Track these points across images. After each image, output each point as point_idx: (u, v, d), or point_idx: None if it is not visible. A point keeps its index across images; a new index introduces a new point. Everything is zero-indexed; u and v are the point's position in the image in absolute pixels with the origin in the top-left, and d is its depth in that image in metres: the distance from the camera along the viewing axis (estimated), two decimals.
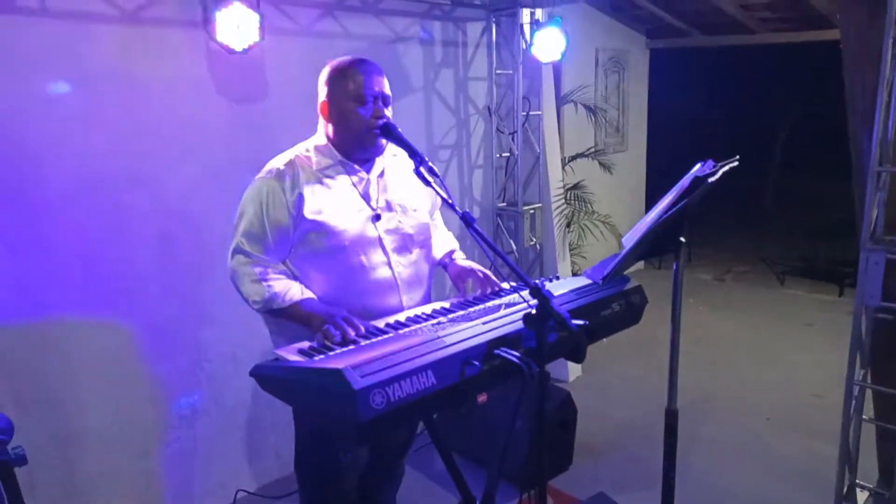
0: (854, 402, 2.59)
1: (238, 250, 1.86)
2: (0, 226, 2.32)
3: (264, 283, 1.83)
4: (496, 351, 1.60)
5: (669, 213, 1.73)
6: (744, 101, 7.43)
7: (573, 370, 4.22)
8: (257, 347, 2.62)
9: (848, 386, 2.58)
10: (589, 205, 4.59)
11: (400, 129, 1.88)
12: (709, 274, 6.75)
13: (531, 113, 3.90)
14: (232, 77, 2.82)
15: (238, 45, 2.54)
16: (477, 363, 1.57)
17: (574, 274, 4.40)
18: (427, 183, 1.80)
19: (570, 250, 4.52)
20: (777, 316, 5.48)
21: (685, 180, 1.76)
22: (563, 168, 5.08)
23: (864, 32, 2.43)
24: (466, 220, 1.79)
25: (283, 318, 1.87)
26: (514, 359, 1.58)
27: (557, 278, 2.22)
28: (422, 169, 1.81)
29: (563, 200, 4.17)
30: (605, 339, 4.88)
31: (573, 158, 4.86)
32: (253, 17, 2.53)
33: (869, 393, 2.67)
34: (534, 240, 4.08)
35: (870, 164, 2.40)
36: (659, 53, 6.60)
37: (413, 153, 1.83)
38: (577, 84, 5.11)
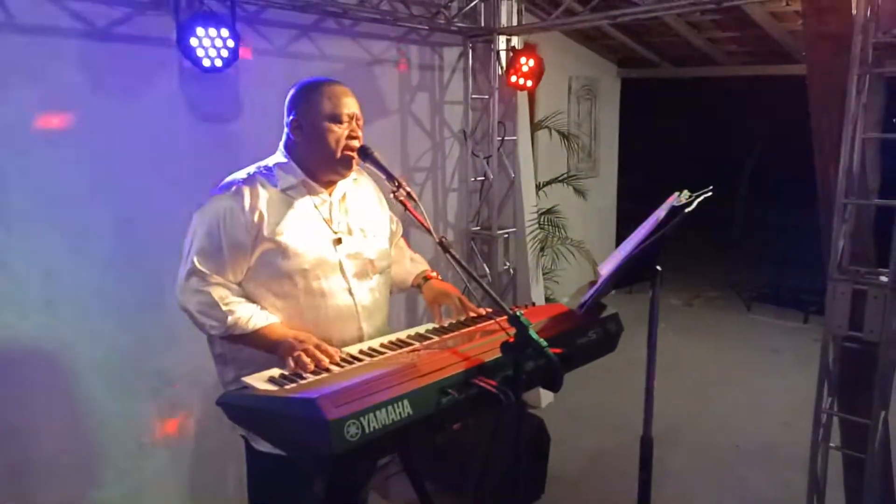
0: (822, 430, 2.61)
1: (192, 272, 1.73)
2: None
3: (223, 308, 1.72)
4: (473, 380, 1.58)
5: (647, 242, 1.74)
6: (713, 130, 7.62)
7: (545, 396, 4.20)
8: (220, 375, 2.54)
9: (816, 414, 2.60)
10: (562, 229, 4.61)
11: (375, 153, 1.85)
12: (678, 299, 6.84)
13: (506, 138, 3.92)
14: (205, 96, 2.77)
15: (213, 64, 2.50)
16: (453, 392, 1.54)
17: (547, 299, 4.41)
18: (405, 208, 1.78)
19: (544, 274, 4.52)
20: (744, 342, 5.56)
21: (661, 210, 1.77)
22: (536, 193, 5.13)
23: (830, 69, 2.49)
24: (443, 245, 1.77)
25: (244, 343, 1.77)
26: (492, 388, 1.56)
27: (534, 304, 2.21)
28: (400, 193, 1.79)
29: (537, 225, 4.19)
30: None
31: (547, 183, 4.90)
32: (228, 37, 2.50)
33: (836, 421, 2.71)
34: (507, 264, 4.08)
35: (836, 196, 2.45)
36: (630, 82, 6.74)
37: (390, 177, 1.81)
38: (551, 110, 5.18)
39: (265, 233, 1.73)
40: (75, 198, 2.47)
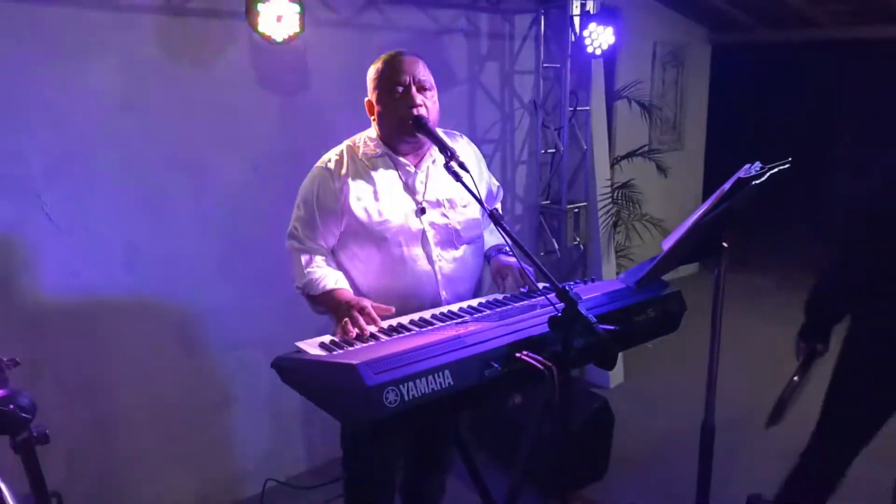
0: None
1: (292, 234, 1.96)
2: (51, 209, 2.40)
3: (306, 269, 1.90)
4: (518, 354, 1.55)
5: (709, 216, 1.63)
6: (811, 99, 7.04)
7: (615, 376, 4.09)
8: (291, 336, 2.63)
9: None
10: (637, 205, 4.42)
11: (431, 123, 1.84)
12: (767, 280, 6.45)
13: (579, 108, 3.78)
14: (273, 68, 2.83)
15: (279, 37, 2.54)
16: (497, 365, 1.52)
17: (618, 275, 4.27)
18: (458, 178, 1.75)
19: (617, 252, 4.37)
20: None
21: (728, 182, 1.65)
22: (612, 166, 4.94)
23: None
24: (494, 217, 1.73)
25: (319, 305, 1.91)
26: (536, 363, 1.52)
27: (594, 280, 2.14)
28: (452, 163, 1.77)
29: (611, 199, 4.04)
30: (649, 345, 4.71)
31: (624, 157, 4.70)
32: (294, 8, 2.52)
33: None
34: (577, 239, 3.97)
35: None
36: (721, 48, 6.32)
37: (443, 148, 1.80)
38: (633, 79, 4.94)
39: (351, 203, 1.86)
40: (152, 167, 2.60)
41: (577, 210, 3.92)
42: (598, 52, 3.48)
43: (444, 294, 1.94)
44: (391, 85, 1.83)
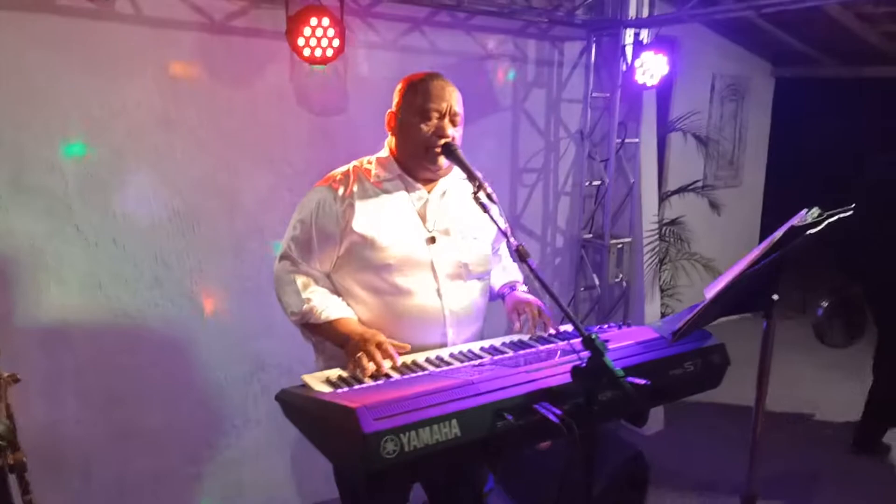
0: None
1: (285, 256, 1.81)
2: (82, 222, 2.41)
3: (303, 295, 1.76)
4: (535, 405, 1.42)
5: (756, 266, 1.47)
6: (882, 140, 6.65)
7: (654, 422, 3.86)
8: (315, 363, 2.57)
9: None
10: (686, 243, 4.21)
11: (461, 151, 1.74)
12: None
13: (627, 140, 3.64)
14: (313, 88, 2.81)
15: (318, 57, 2.52)
16: (510, 417, 1.39)
17: (662, 316, 4.06)
18: (485, 209, 1.65)
19: (663, 291, 4.17)
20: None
21: (780, 230, 1.50)
22: (662, 201, 4.75)
23: None
24: (520, 253, 1.61)
25: (319, 335, 1.79)
26: (554, 417, 1.39)
27: (629, 325, 1.99)
28: (480, 194, 1.66)
29: (658, 236, 3.85)
30: None
31: (675, 192, 4.51)
32: (334, 29, 2.50)
33: None
34: (620, 276, 3.79)
35: None
36: (786, 82, 6.05)
37: (472, 177, 1.69)
38: (689, 111, 4.75)
39: (354, 225, 1.73)
40: (186, 183, 2.59)
41: (620, 245, 3.75)
42: (650, 82, 3.35)
43: (450, 332, 1.79)
44: (425, 108, 1.73)
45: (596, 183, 3.77)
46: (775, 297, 1.70)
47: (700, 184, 4.92)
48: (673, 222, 4.24)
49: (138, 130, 2.46)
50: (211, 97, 2.59)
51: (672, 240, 4.16)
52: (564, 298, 3.86)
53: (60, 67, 2.29)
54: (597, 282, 3.77)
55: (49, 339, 2.39)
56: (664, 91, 5.14)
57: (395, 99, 1.81)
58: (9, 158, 2.25)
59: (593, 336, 1.38)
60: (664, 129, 4.87)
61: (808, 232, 1.46)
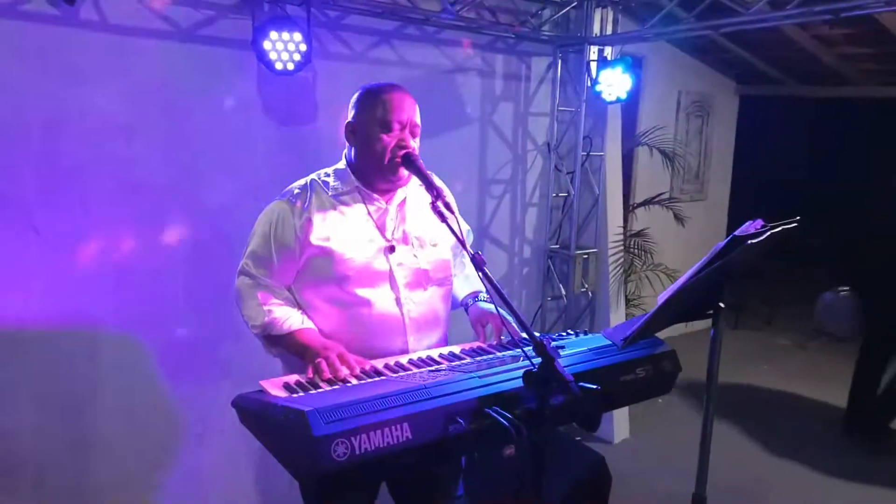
0: None
1: (244, 271, 1.83)
2: (43, 227, 2.39)
3: (264, 307, 1.77)
4: (487, 409, 1.45)
5: (700, 274, 1.53)
6: (841, 156, 6.87)
7: (619, 431, 3.92)
8: (280, 371, 2.58)
9: None
10: (650, 255, 4.30)
11: (421, 161, 1.77)
12: (789, 339, 6.21)
13: (592, 153, 3.72)
14: (281, 99, 2.83)
15: (284, 67, 2.54)
16: (462, 420, 1.42)
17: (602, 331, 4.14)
18: (443, 219, 1.68)
19: (629, 301, 4.25)
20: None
21: (723, 242, 1.55)
22: (629, 213, 4.84)
23: None
24: (476, 262, 1.64)
25: (281, 347, 1.81)
26: (504, 421, 1.42)
27: (586, 333, 2.03)
28: (438, 204, 1.69)
29: (622, 247, 3.93)
30: (660, 400, 4.51)
31: (641, 204, 4.60)
32: (300, 40, 2.53)
33: None
34: (586, 286, 3.86)
35: None
36: (749, 100, 6.23)
37: (430, 186, 1.72)
38: (655, 125, 4.87)
39: (312, 238, 1.74)
40: (149, 189, 2.59)
41: (586, 256, 3.82)
42: (614, 98, 3.43)
43: (411, 340, 1.80)
44: (386, 120, 1.74)
45: (563, 195, 3.84)
46: (721, 304, 1.76)
47: (667, 196, 5.03)
48: (638, 234, 4.32)
49: (99, 138, 2.46)
50: (175, 105, 2.59)
51: (637, 251, 4.24)
52: (532, 307, 3.91)
53: (18, 72, 2.28)
54: (563, 291, 3.83)
55: (8, 345, 2.36)
56: (631, 106, 5.27)
57: (352, 110, 1.81)
58: None
59: (546, 342, 1.42)
60: (631, 142, 4.98)
61: (749, 242, 1.52)
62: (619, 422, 3.89)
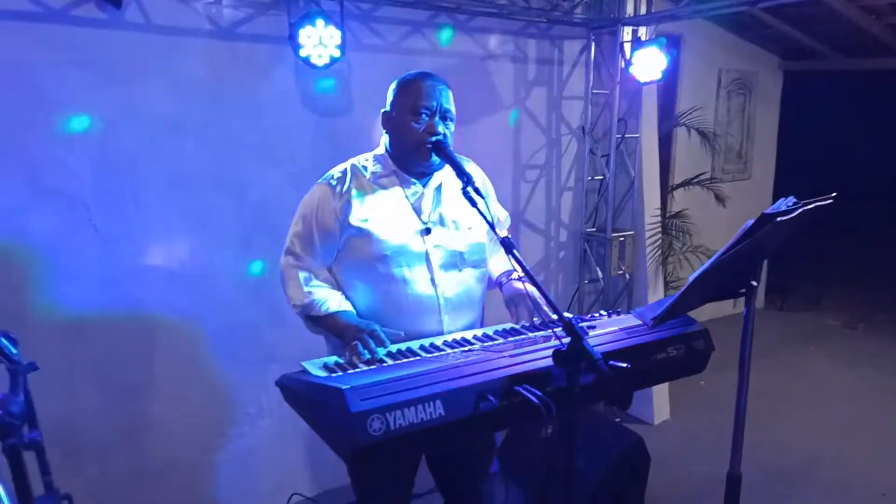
0: None
1: (288, 251, 1.92)
2: (99, 222, 2.54)
3: (305, 289, 1.86)
4: (517, 387, 1.50)
5: (728, 252, 1.54)
6: (892, 131, 6.60)
7: (659, 412, 3.91)
8: (324, 353, 2.67)
9: None
10: (689, 236, 4.24)
11: (452, 148, 1.83)
12: (838, 320, 6.04)
13: (627, 135, 3.69)
14: (318, 91, 2.91)
15: (319, 61, 2.61)
16: (493, 398, 1.47)
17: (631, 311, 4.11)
18: (473, 203, 1.73)
19: (669, 283, 4.21)
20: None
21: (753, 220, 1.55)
22: (669, 194, 4.78)
23: None
24: (506, 245, 1.69)
25: (321, 327, 1.89)
26: (533, 398, 1.47)
27: (618, 313, 2.06)
28: (468, 189, 1.74)
29: (660, 229, 3.90)
30: (702, 382, 4.48)
31: (679, 185, 4.54)
32: (335, 34, 2.59)
33: None
34: (622, 269, 3.85)
35: None
36: (794, 76, 6.04)
37: (460, 172, 1.77)
38: (695, 106, 4.78)
39: (351, 220, 1.82)
40: (197, 182, 2.71)
41: (622, 238, 3.81)
42: (648, 79, 3.40)
43: (446, 319, 1.87)
44: (416, 107, 1.81)
45: (598, 178, 3.83)
46: (754, 283, 1.76)
47: (708, 177, 4.93)
48: (677, 215, 4.27)
49: (150, 133, 2.58)
50: (219, 101, 2.70)
51: (675, 233, 4.19)
52: (569, 291, 3.93)
53: (73, 73, 2.41)
54: (600, 274, 3.83)
55: (68, 333, 2.51)
56: (670, 86, 5.18)
57: (389, 98, 1.89)
58: (25, 161, 2.38)
59: (572, 321, 1.46)
60: (669, 123, 4.90)
61: (778, 220, 1.52)
62: (659, 403, 3.89)
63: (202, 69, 2.65)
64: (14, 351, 1.56)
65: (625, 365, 1.50)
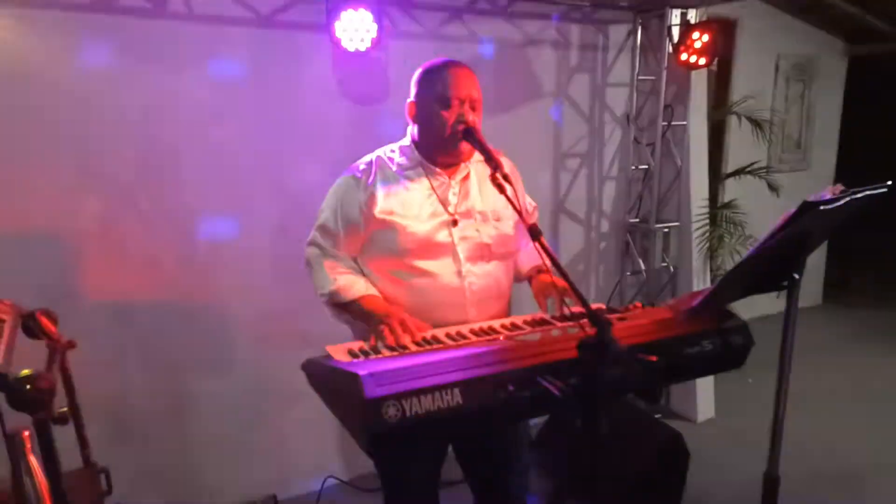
0: None
1: (313, 242, 1.94)
2: (144, 207, 2.62)
3: (331, 276, 1.87)
4: (538, 378, 1.46)
5: (767, 243, 1.46)
6: None
7: (704, 410, 3.80)
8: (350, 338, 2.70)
9: None
10: (740, 227, 4.08)
11: (482, 135, 1.79)
12: None
13: (674, 123, 3.56)
14: (355, 78, 2.92)
15: (357, 48, 2.61)
16: (512, 387, 1.44)
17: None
18: (501, 190, 1.70)
19: (716, 277, 4.07)
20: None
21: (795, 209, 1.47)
22: (720, 184, 4.62)
23: None
24: (533, 232, 1.65)
25: (347, 314, 1.90)
26: (554, 390, 1.43)
27: (653, 305, 1.99)
28: (498, 175, 1.71)
29: (708, 220, 3.76)
30: (750, 379, 4.33)
31: (731, 175, 4.37)
32: (370, 20, 2.58)
33: None
34: (667, 261, 3.73)
35: None
36: (859, 61, 5.72)
37: (490, 159, 1.74)
38: (751, 93, 4.59)
39: (376, 212, 1.81)
40: (238, 170, 2.76)
41: (667, 230, 3.69)
42: (698, 64, 3.27)
43: (471, 311, 1.84)
44: (445, 96, 1.78)
45: (643, 167, 3.72)
46: (797, 275, 1.67)
47: (765, 167, 4.73)
48: (727, 205, 4.12)
49: (192, 120, 2.64)
50: (258, 88, 2.74)
51: (725, 224, 4.04)
52: (611, 282, 3.84)
53: (117, 62, 2.48)
54: (643, 266, 3.73)
55: (116, 314, 2.61)
56: (724, 72, 4.98)
57: (413, 89, 1.87)
58: (76, 148, 2.47)
59: (598, 312, 1.42)
60: (722, 111, 4.72)
61: (822, 208, 1.43)
62: (704, 400, 3.77)
63: (242, 57, 2.69)
64: (52, 329, 1.62)
65: (651, 358, 1.44)
